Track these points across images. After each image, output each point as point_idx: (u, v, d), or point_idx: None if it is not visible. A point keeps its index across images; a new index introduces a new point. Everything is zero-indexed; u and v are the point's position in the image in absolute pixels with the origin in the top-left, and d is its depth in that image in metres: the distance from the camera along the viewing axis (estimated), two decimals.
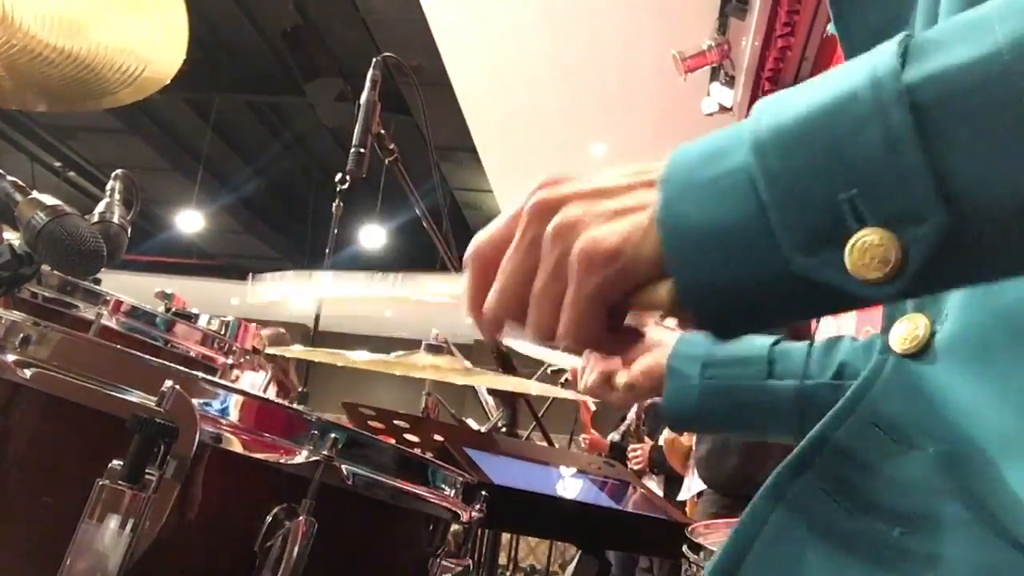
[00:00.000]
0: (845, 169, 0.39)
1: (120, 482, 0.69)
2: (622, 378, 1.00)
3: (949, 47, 0.38)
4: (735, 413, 0.92)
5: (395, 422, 1.55)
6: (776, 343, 0.94)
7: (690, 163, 0.44)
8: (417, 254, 10.59)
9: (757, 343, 0.94)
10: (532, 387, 1.71)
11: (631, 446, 4.25)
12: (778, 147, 0.41)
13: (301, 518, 0.77)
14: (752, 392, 0.91)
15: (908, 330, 0.52)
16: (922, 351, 0.51)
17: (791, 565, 0.45)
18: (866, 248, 0.39)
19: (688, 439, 3.58)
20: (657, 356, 0.97)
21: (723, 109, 4.93)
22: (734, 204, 0.41)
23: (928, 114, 0.37)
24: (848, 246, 0.39)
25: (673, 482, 3.92)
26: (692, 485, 3.48)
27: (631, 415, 4.48)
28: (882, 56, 0.39)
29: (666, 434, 3.87)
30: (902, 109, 0.37)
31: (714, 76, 4.86)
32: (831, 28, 0.80)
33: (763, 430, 0.96)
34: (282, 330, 3.91)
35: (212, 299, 11.59)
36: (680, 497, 3.62)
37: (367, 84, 1.75)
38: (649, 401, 2.80)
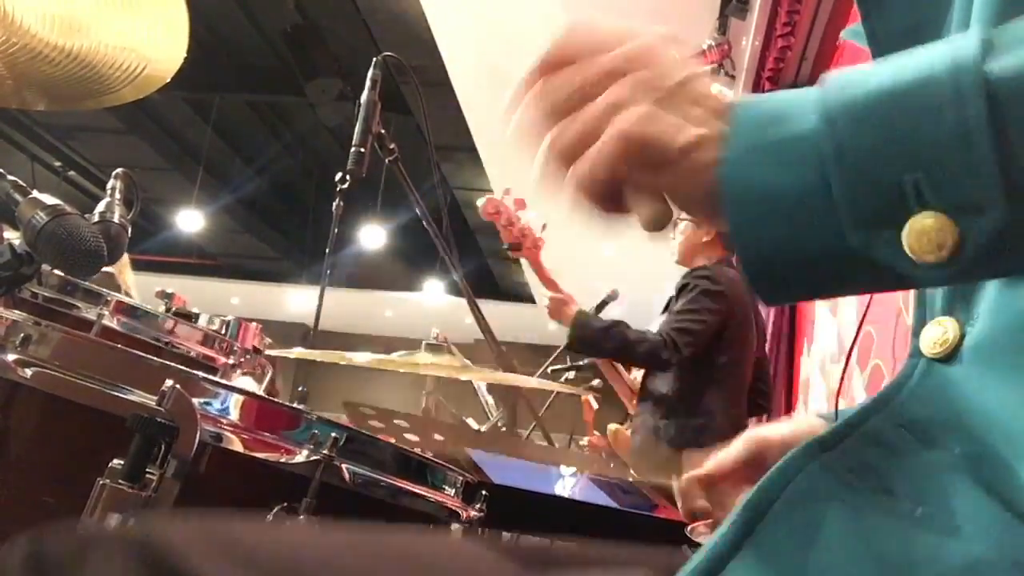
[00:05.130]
0: (914, 151, 0.39)
1: (121, 481, 0.69)
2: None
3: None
4: None
5: (395, 422, 1.55)
6: None
7: (759, 120, 0.44)
8: (417, 254, 10.60)
9: None
10: (532, 383, 1.71)
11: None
12: (849, 120, 0.41)
13: (301, 517, 0.77)
14: None
15: (938, 334, 0.51)
16: (952, 355, 0.50)
17: (811, 528, 0.44)
18: (923, 230, 0.39)
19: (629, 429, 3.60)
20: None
21: None
22: (798, 172, 0.42)
23: (1003, 108, 0.37)
24: (906, 227, 0.39)
25: None
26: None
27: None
28: (964, 45, 0.39)
29: (611, 425, 3.89)
30: (979, 100, 0.37)
31: (714, 76, 4.86)
32: (844, 35, 0.80)
33: None
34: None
35: (212, 299, 11.60)
36: None
37: (367, 84, 1.75)
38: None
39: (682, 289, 2.59)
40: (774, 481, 0.47)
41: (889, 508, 0.45)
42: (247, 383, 1.60)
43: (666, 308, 2.73)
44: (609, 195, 0.48)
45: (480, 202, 2.46)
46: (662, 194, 0.48)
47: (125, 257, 3.62)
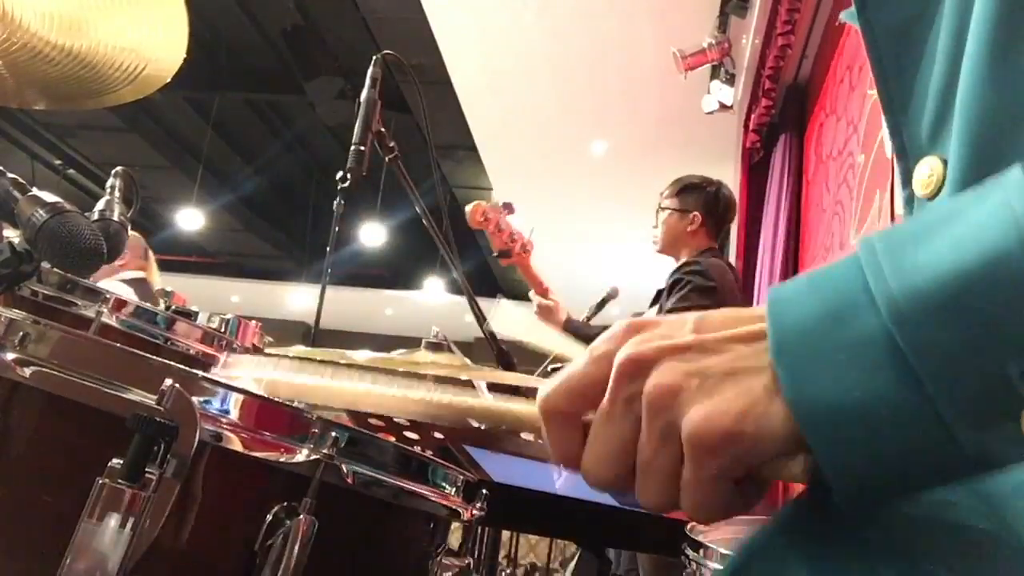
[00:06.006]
0: (1012, 337, 0.35)
1: (120, 481, 0.69)
2: None
3: None
4: None
5: (395, 420, 1.54)
6: None
7: (807, 326, 0.39)
8: (417, 253, 10.60)
9: None
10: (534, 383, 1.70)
11: None
12: (924, 317, 0.36)
13: (301, 517, 0.77)
14: None
15: None
16: None
17: (808, 563, 0.44)
18: None
19: None
20: None
21: (723, 107, 4.93)
22: (879, 377, 0.37)
23: None
24: None
25: None
26: None
27: None
28: (1019, 201, 0.36)
29: None
30: None
31: (714, 74, 4.86)
32: (843, 16, 0.79)
33: None
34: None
35: (212, 297, 11.60)
36: None
37: (367, 82, 1.75)
38: None
39: (673, 285, 2.56)
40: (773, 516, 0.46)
41: (886, 540, 0.44)
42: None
43: (654, 301, 2.71)
44: (731, 503, 0.44)
45: (467, 209, 2.43)
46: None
47: (152, 259, 3.64)
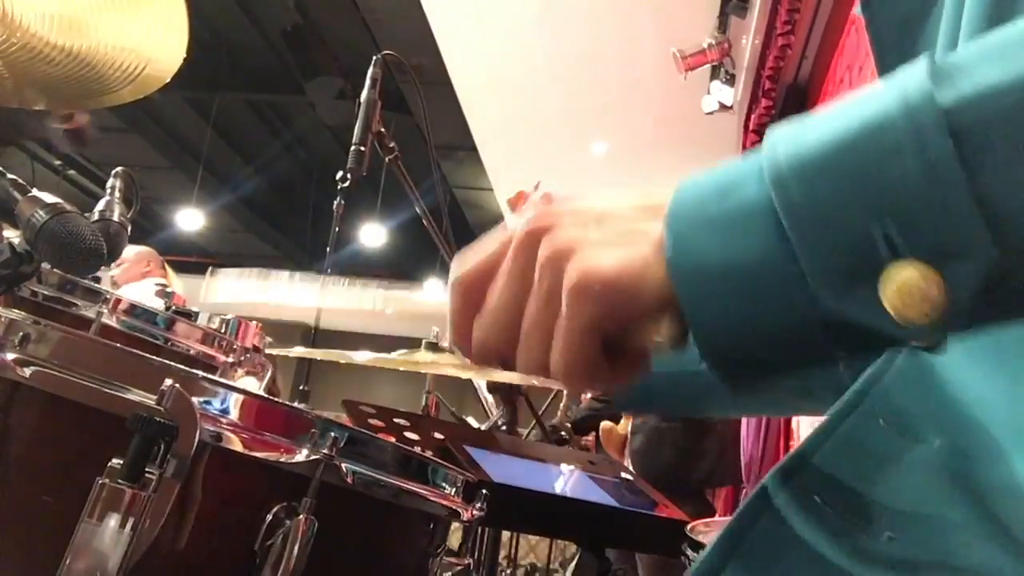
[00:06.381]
0: (879, 198, 0.36)
1: (120, 481, 0.69)
2: None
3: (978, 70, 0.36)
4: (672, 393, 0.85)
5: (395, 420, 1.55)
6: None
7: (701, 196, 0.41)
8: (417, 253, 10.60)
9: None
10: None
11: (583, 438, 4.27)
12: (802, 177, 0.37)
13: (301, 517, 0.77)
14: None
15: None
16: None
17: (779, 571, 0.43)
18: (904, 285, 0.35)
19: (624, 428, 3.63)
20: None
21: (723, 107, 4.93)
22: (754, 240, 0.38)
23: (968, 139, 0.34)
24: (884, 283, 0.36)
25: None
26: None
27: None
28: (911, 80, 0.37)
29: (604, 423, 3.91)
30: (941, 134, 0.34)
31: (714, 74, 4.86)
32: (856, 10, 0.82)
33: (698, 408, 0.94)
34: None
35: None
36: None
37: (367, 82, 1.75)
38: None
39: None
40: (740, 524, 0.46)
41: (854, 543, 0.44)
42: (249, 382, 1.60)
43: None
44: (599, 366, 0.44)
45: (508, 198, 2.49)
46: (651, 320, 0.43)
47: (170, 271, 3.78)
